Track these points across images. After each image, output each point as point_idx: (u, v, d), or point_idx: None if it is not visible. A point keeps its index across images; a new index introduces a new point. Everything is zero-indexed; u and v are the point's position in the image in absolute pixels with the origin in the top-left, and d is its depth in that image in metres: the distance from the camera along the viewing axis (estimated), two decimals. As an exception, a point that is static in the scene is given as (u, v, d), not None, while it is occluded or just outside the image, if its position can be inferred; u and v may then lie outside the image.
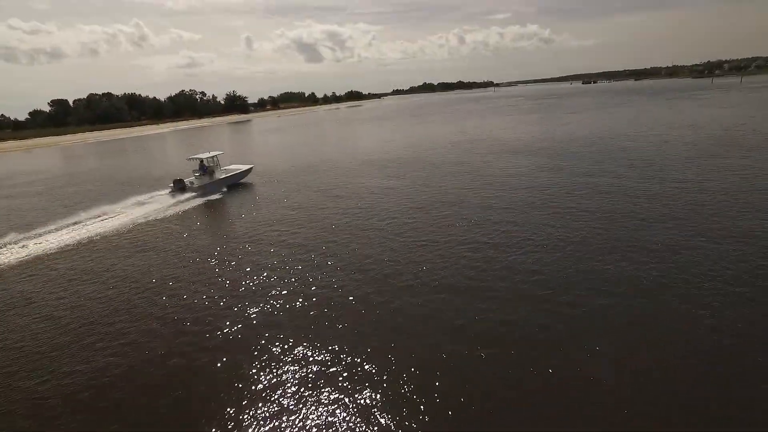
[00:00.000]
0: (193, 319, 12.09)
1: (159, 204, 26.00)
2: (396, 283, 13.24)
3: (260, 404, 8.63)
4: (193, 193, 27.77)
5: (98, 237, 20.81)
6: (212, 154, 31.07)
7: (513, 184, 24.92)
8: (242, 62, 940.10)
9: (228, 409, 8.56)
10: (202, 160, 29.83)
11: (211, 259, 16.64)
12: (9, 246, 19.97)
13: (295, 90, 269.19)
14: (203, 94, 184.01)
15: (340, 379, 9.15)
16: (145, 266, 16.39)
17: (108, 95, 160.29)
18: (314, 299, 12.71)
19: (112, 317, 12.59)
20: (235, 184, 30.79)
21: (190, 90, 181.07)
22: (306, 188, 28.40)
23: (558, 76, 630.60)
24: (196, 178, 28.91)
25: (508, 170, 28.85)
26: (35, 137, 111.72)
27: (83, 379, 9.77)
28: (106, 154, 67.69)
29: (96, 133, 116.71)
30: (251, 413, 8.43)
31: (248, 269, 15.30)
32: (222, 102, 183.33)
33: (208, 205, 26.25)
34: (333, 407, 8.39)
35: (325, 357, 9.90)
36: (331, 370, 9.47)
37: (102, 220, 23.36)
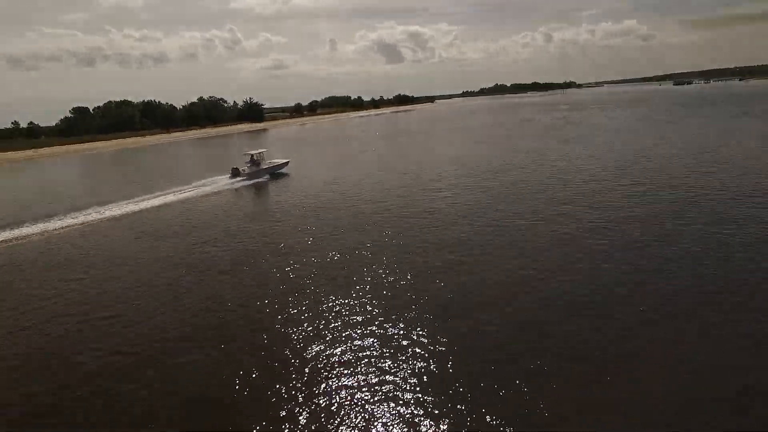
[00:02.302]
0: (245, 253, 28.87)
1: (222, 183, 44.05)
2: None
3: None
4: (245, 177, 45.62)
5: (186, 201, 38.63)
6: (259, 150, 50.83)
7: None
8: (325, 64, 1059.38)
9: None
10: (252, 155, 48.42)
11: (258, 219, 33.22)
12: (119, 205, 37.80)
13: (382, 91, 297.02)
14: (224, 101, 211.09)
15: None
16: (215, 219, 33.21)
17: (125, 102, 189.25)
18: (328, 244, 29.16)
19: (201, 248, 29.64)
20: (276, 172, 48.72)
21: (210, 97, 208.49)
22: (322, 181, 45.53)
23: (652, 75, 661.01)
24: (247, 167, 47.16)
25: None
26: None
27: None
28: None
29: (68, 147, 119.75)
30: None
31: (284, 226, 31.59)
32: (240, 107, 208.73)
33: (256, 186, 44.22)
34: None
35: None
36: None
37: (183, 193, 41.16)
